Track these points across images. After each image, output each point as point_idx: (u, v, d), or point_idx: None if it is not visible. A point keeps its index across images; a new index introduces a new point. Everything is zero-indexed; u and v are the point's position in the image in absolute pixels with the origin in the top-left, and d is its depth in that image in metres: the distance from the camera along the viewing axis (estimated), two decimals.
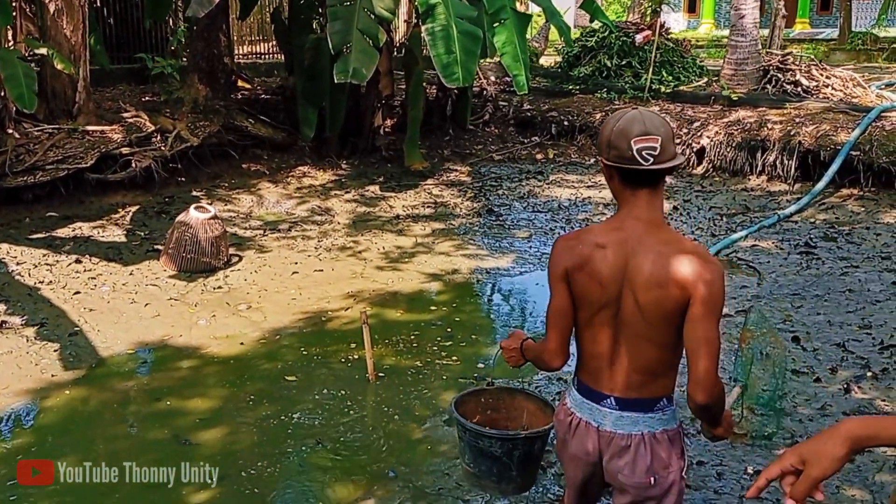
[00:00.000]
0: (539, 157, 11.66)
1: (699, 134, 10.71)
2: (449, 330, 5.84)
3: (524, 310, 6.38)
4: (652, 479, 2.18)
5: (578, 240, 2.20)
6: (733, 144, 10.32)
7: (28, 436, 4.32)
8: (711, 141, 10.52)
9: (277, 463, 3.97)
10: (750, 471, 3.69)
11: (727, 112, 11.09)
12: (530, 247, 7.97)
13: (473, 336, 5.81)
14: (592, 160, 11.13)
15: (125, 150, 8.58)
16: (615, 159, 2.09)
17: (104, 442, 4.28)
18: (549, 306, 2.26)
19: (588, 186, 10.17)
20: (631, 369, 2.17)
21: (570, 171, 10.93)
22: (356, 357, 5.24)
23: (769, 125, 10.21)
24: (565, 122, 11.88)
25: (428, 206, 9.46)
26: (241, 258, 7.38)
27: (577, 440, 2.28)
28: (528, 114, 12.37)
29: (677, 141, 10.78)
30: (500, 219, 8.98)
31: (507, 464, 2.91)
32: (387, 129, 11.64)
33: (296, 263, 7.35)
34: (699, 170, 10.52)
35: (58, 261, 6.95)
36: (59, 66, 8.08)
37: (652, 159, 2.05)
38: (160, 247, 7.34)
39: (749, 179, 9.98)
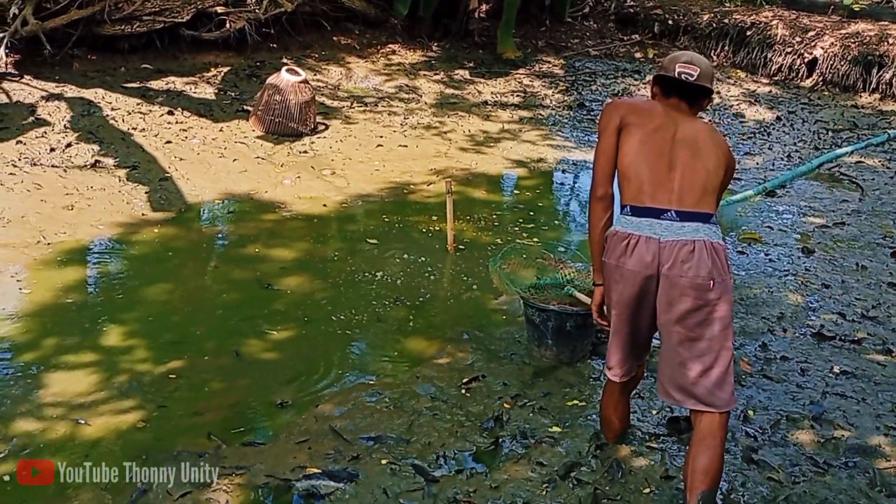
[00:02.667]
0: (638, 56, 11.15)
1: (812, 44, 10.04)
2: (531, 213, 5.74)
3: None
4: (712, 282, 2.37)
5: (630, 97, 2.71)
6: (848, 58, 9.64)
7: (119, 263, 4.48)
8: (825, 52, 9.86)
9: (362, 313, 4.01)
10: (836, 370, 3.55)
11: (845, 24, 10.34)
12: None
13: (556, 222, 5.72)
14: None
15: (220, 10, 8.52)
16: (661, 73, 2.63)
17: (191, 276, 4.41)
18: (598, 152, 2.62)
19: None
20: (688, 186, 2.46)
21: None
22: (437, 229, 5.22)
23: (890, 41, 9.48)
24: (669, 22, 11.28)
25: (517, 95, 9.22)
26: (327, 127, 7.36)
27: (637, 255, 2.44)
28: (631, 10, 11.79)
29: (787, 50, 10.15)
30: (592, 114, 8.69)
31: (543, 332, 3.56)
32: (481, 14, 11.28)
33: (381, 137, 7.29)
34: (808, 82, 9.91)
35: (151, 110, 7.05)
36: None
37: (689, 80, 2.56)
38: (249, 108, 7.37)
39: (860, 96, 9.36)
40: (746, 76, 10.32)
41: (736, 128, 8.44)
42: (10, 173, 5.39)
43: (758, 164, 7.24)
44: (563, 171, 6.87)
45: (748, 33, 10.63)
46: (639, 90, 9.62)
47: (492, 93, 9.22)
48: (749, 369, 3.53)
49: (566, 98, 9.24)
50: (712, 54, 10.89)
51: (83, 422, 2.99)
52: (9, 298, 3.91)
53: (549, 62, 10.66)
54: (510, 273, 3.85)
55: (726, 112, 8.96)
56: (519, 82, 9.71)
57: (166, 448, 2.86)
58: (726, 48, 10.83)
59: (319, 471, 2.73)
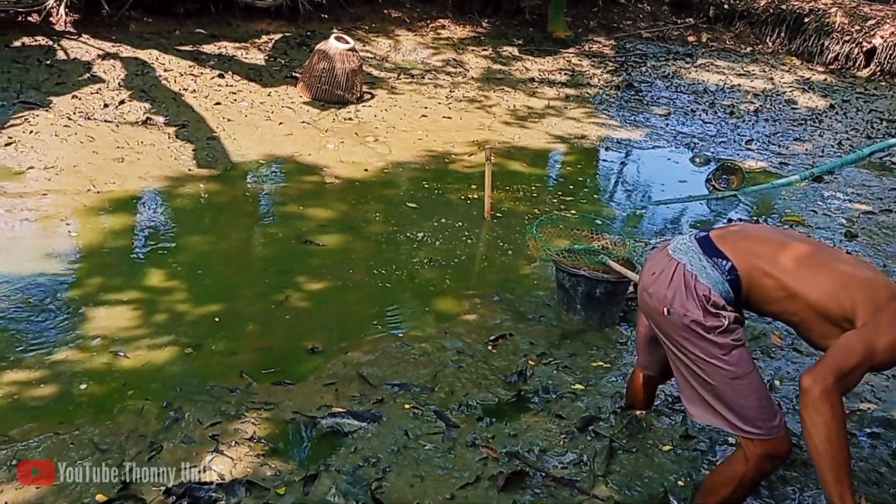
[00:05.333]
0: (691, 39, 11.00)
1: (871, 33, 9.78)
2: (571, 187, 5.74)
3: (650, 181, 6.16)
4: (666, 309, 2.12)
5: None
6: None
7: (164, 214, 4.61)
8: (884, 42, 9.60)
9: (397, 271, 4.10)
10: None
11: None
12: (667, 124, 7.64)
13: (595, 196, 5.71)
14: (748, 49, 10.40)
15: None
16: None
17: (233, 230, 4.52)
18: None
19: (738, 74, 9.55)
20: (753, 243, 2.13)
21: (722, 58, 10.27)
22: (475, 197, 5.26)
23: None
24: (725, 6, 11.10)
25: (564, 73, 9.17)
26: (372, 96, 7.43)
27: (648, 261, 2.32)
28: None
29: (845, 38, 9.90)
30: (639, 94, 8.61)
31: (573, 296, 3.60)
32: None
33: (425, 108, 7.34)
34: (864, 72, 9.67)
35: (202, 73, 7.20)
36: None
37: None
38: (298, 74, 7.47)
39: None
40: (801, 63, 10.11)
41: (787, 114, 8.28)
42: (65, 125, 5.57)
43: (807, 150, 7.11)
44: (606, 149, 6.83)
45: (805, 20, 10.40)
46: (688, 73, 9.50)
47: (539, 70, 9.19)
48: (780, 342, 3.51)
49: (614, 78, 9.16)
50: (767, 40, 10.69)
51: (122, 354, 3.11)
52: (58, 240, 4.07)
53: (599, 42, 10.58)
54: (545, 240, 3.88)
55: (778, 98, 8.79)
56: (567, 61, 9.66)
57: (199, 382, 2.97)
58: (782, 35, 10.62)
59: (344, 410, 2.81)
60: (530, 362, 3.24)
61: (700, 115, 8.03)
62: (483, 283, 4.10)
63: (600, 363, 3.29)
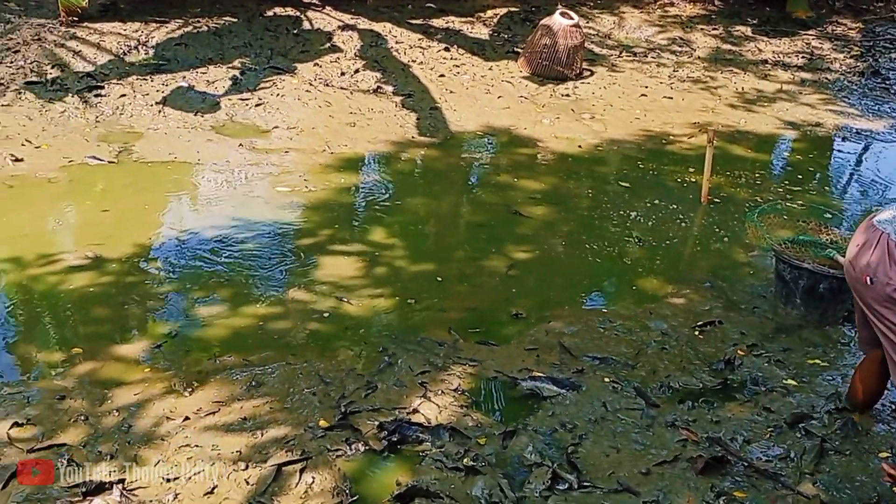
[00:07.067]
0: None
1: None
2: (798, 177, 5.40)
3: (892, 176, 5.62)
4: (868, 278, 2.16)
5: None
6: None
7: (388, 176, 4.93)
8: None
9: (605, 247, 4.11)
10: None
11: None
12: None
13: (825, 188, 5.33)
14: None
15: None
16: None
17: (448, 195, 4.75)
18: None
19: None
20: None
21: None
22: (692, 181, 5.10)
23: None
24: None
25: (802, 57, 8.53)
26: (592, 73, 7.37)
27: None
28: None
29: None
30: (886, 82, 7.83)
31: (792, 289, 3.43)
32: None
33: (645, 87, 7.17)
34: None
35: (430, 46, 7.51)
36: None
37: None
38: (519, 49, 7.57)
39: None
40: None
41: None
42: (307, 90, 6.07)
43: None
44: (844, 139, 6.32)
45: None
46: None
47: (773, 52, 8.62)
48: None
49: (859, 64, 8.39)
50: None
51: (346, 300, 3.39)
52: (296, 194, 4.48)
53: (843, 24, 9.71)
54: (767, 228, 3.71)
55: None
56: (806, 43, 8.97)
57: (412, 333, 3.18)
58: None
59: (544, 376, 2.89)
60: (739, 352, 3.13)
61: None
62: (694, 267, 4.00)
63: (817, 361, 3.11)
